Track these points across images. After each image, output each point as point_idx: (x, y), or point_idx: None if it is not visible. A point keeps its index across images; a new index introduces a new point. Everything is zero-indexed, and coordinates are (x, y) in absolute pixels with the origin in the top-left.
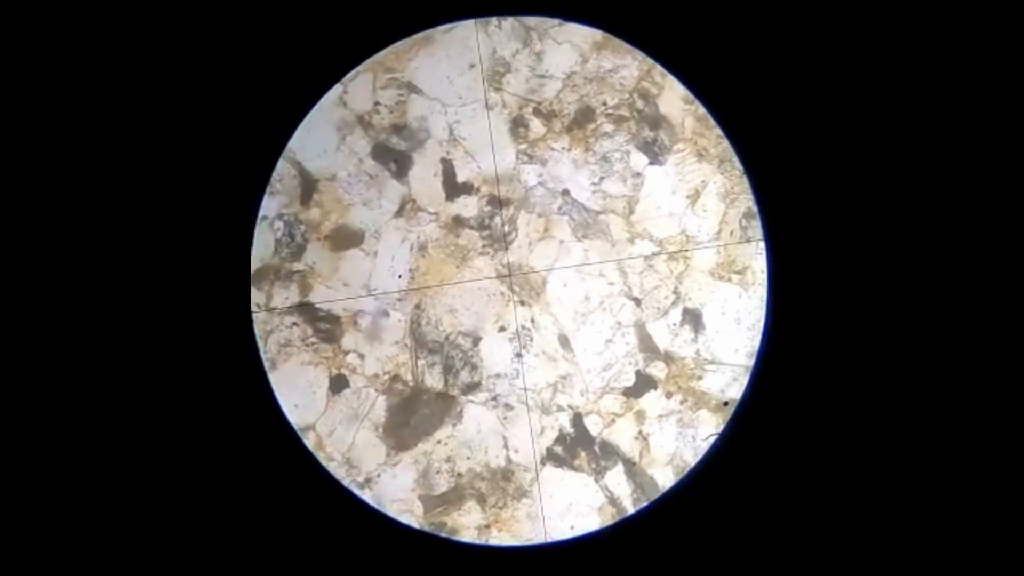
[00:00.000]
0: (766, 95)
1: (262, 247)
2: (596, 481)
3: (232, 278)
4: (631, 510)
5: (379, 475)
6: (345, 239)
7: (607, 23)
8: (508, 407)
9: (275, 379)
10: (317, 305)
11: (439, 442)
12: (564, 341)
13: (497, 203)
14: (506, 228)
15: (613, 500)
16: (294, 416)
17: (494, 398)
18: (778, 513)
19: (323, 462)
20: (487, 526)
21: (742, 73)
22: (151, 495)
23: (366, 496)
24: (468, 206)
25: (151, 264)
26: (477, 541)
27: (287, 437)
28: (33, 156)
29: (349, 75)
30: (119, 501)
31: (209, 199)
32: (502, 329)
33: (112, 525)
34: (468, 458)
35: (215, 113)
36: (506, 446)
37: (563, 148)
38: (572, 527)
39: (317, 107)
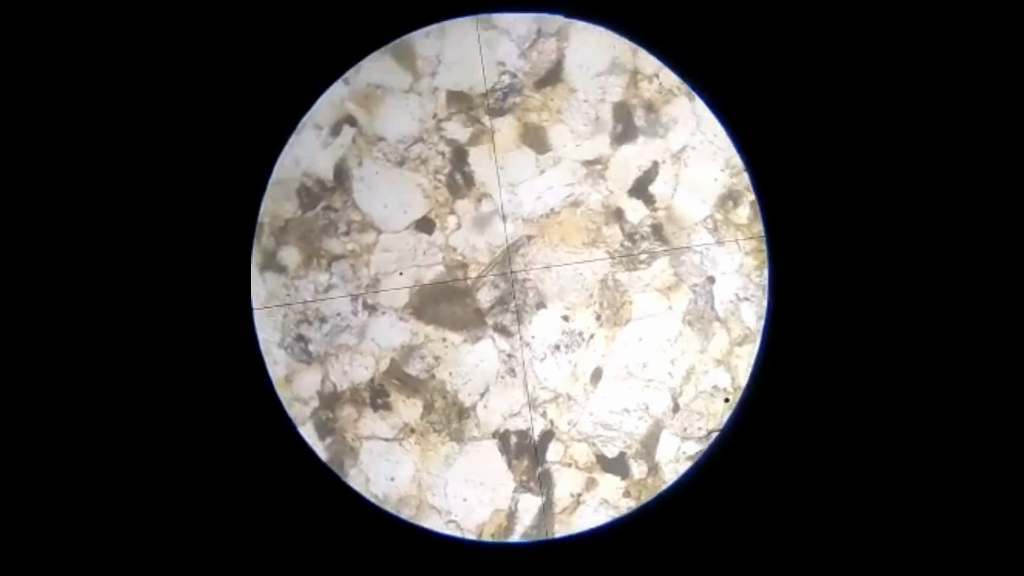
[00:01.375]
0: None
1: (480, 80)
2: (514, 491)
3: (232, 274)
4: (515, 539)
5: (384, 313)
6: (533, 140)
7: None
8: (511, 372)
9: (392, 176)
10: (470, 161)
11: (443, 340)
12: (596, 375)
13: (658, 234)
14: (643, 257)
15: (512, 515)
16: (375, 211)
17: (509, 355)
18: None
19: (355, 266)
20: (412, 431)
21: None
22: (151, 490)
23: (359, 315)
24: (635, 212)
25: (153, 259)
26: (375, 492)
27: (289, 437)
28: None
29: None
30: (118, 492)
31: (211, 197)
32: (566, 319)
33: (111, 514)
34: (451, 374)
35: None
36: (483, 396)
37: (743, 250)
38: (465, 499)
39: (615, 31)
